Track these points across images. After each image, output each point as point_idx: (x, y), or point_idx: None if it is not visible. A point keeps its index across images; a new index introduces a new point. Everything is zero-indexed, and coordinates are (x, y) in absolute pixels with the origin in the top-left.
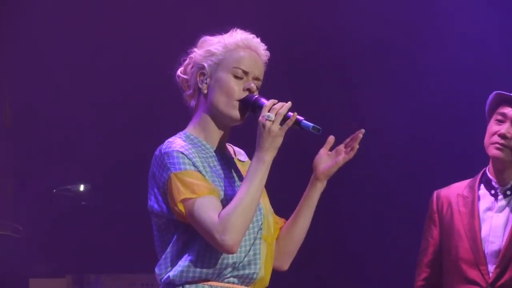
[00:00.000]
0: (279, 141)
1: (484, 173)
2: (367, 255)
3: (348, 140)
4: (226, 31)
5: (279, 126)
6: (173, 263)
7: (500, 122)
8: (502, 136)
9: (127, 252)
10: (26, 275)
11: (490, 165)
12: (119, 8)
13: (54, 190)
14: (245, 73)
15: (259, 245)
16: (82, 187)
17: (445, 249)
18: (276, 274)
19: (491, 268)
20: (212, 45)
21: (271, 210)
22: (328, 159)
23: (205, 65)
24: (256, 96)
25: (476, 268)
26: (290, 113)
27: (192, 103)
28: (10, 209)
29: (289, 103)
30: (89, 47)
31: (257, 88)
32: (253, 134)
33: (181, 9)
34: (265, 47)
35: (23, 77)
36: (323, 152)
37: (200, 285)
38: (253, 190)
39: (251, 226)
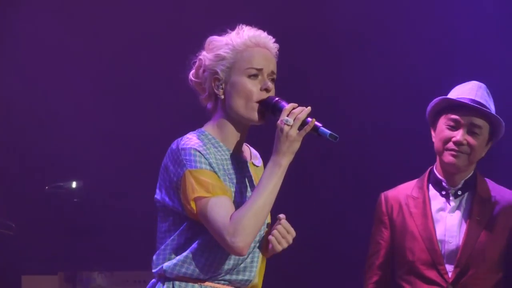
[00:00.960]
0: (296, 146)
1: (432, 173)
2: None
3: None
4: (231, 28)
5: (297, 131)
6: (172, 256)
7: (453, 128)
8: (459, 143)
9: (120, 249)
10: (19, 272)
11: (438, 166)
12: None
13: (46, 187)
14: (259, 70)
15: (258, 253)
16: (74, 184)
17: (398, 251)
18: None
19: (450, 267)
20: (221, 48)
21: None
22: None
23: (218, 70)
24: (277, 99)
25: (434, 268)
26: (309, 119)
27: (209, 105)
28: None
29: (309, 108)
30: (81, 41)
31: (273, 80)
32: (271, 137)
33: (179, 7)
34: (273, 39)
35: (12, 72)
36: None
37: (190, 284)
38: (266, 193)
39: None
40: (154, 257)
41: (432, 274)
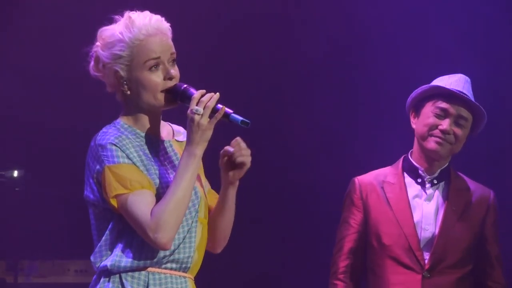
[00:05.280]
0: (208, 134)
1: (407, 161)
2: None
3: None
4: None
5: (208, 119)
6: (109, 252)
7: (440, 116)
8: (445, 132)
9: (61, 238)
10: None
11: (416, 154)
12: None
13: None
14: (157, 59)
15: (195, 227)
16: (16, 173)
17: (373, 235)
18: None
19: (426, 255)
20: (115, 45)
21: (208, 185)
22: (231, 164)
23: (118, 69)
24: (185, 86)
25: (411, 253)
26: (219, 106)
27: (118, 96)
28: None
29: (217, 94)
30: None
31: (174, 60)
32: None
33: None
34: (162, 18)
35: None
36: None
37: (136, 273)
38: (184, 185)
39: (188, 211)
40: (92, 257)
41: (408, 259)
